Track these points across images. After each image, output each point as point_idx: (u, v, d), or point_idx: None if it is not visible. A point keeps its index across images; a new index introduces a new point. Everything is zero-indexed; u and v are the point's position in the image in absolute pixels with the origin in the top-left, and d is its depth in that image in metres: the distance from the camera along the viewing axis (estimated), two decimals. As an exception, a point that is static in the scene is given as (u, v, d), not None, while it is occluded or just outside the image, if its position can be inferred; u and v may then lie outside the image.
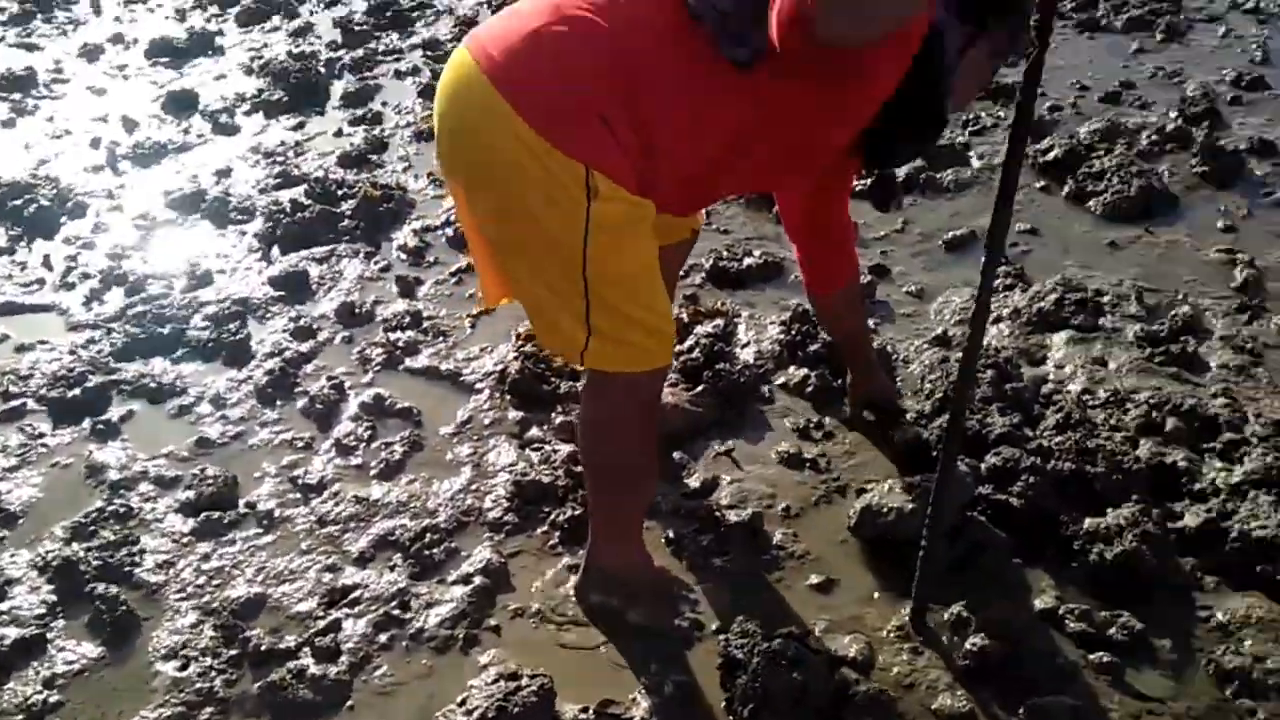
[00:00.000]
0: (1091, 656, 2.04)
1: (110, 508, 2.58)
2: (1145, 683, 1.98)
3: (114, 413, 2.96)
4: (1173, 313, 3.02)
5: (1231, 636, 2.04)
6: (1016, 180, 1.75)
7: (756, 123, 1.83)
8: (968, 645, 2.07)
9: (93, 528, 2.52)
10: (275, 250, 3.81)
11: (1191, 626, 2.08)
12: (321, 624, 2.25)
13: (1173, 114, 4.27)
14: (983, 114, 4.41)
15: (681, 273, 2.98)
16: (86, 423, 2.92)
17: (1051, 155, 3.97)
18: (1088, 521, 2.29)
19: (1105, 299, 3.13)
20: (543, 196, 1.75)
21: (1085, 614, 2.12)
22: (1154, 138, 4.08)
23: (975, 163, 4.07)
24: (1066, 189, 3.83)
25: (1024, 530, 2.34)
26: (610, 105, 1.73)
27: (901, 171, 3.92)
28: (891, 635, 2.16)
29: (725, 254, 3.50)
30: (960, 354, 2.82)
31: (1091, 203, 3.72)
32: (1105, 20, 5.33)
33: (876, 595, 2.27)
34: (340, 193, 4.15)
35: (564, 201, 1.74)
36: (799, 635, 2.07)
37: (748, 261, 3.48)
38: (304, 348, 3.24)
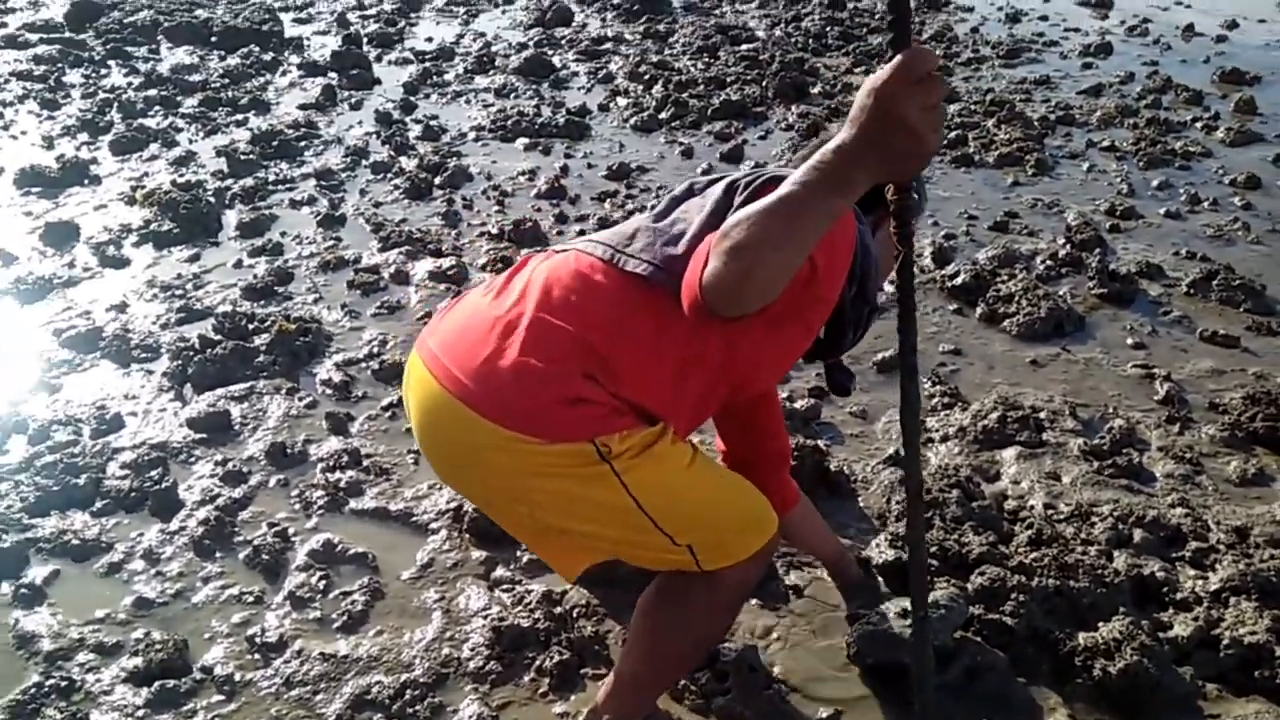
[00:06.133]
0: (1119, 773, 2.04)
1: (50, 682, 2.30)
2: (1178, 796, 2.00)
3: (35, 574, 2.68)
4: (1108, 426, 3.16)
5: (1247, 743, 2.09)
6: (917, 383, 1.78)
7: (729, 355, 1.93)
8: (995, 771, 2.05)
9: (34, 706, 2.24)
10: (188, 390, 3.59)
11: (1206, 736, 2.12)
12: (310, 798, 2.05)
13: (1061, 240, 4.57)
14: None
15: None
16: (6, 587, 2.62)
17: (959, 280, 4.17)
18: (1082, 637, 2.33)
19: (1042, 415, 3.26)
20: (571, 481, 1.79)
21: (1104, 730, 2.13)
22: (1049, 263, 4.36)
23: (888, 288, 4.23)
24: (979, 311, 4.02)
25: (1020, 648, 2.36)
26: (585, 386, 1.79)
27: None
28: (914, 765, 2.11)
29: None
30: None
31: (1006, 323, 3.90)
32: (977, 156, 5.72)
33: (890, 724, 2.22)
34: (251, 327, 3.97)
35: (591, 475, 1.79)
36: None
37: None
38: (237, 493, 3.03)
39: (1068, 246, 4.48)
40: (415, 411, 1.93)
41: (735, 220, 1.56)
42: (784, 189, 1.52)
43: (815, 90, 7.11)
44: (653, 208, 2.04)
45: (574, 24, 9.32)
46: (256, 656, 2.44)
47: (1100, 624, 2.36)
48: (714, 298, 1.60)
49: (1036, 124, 6.20)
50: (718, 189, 1.93)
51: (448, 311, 2.02)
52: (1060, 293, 4.08)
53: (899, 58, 1.42)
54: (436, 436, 1.90)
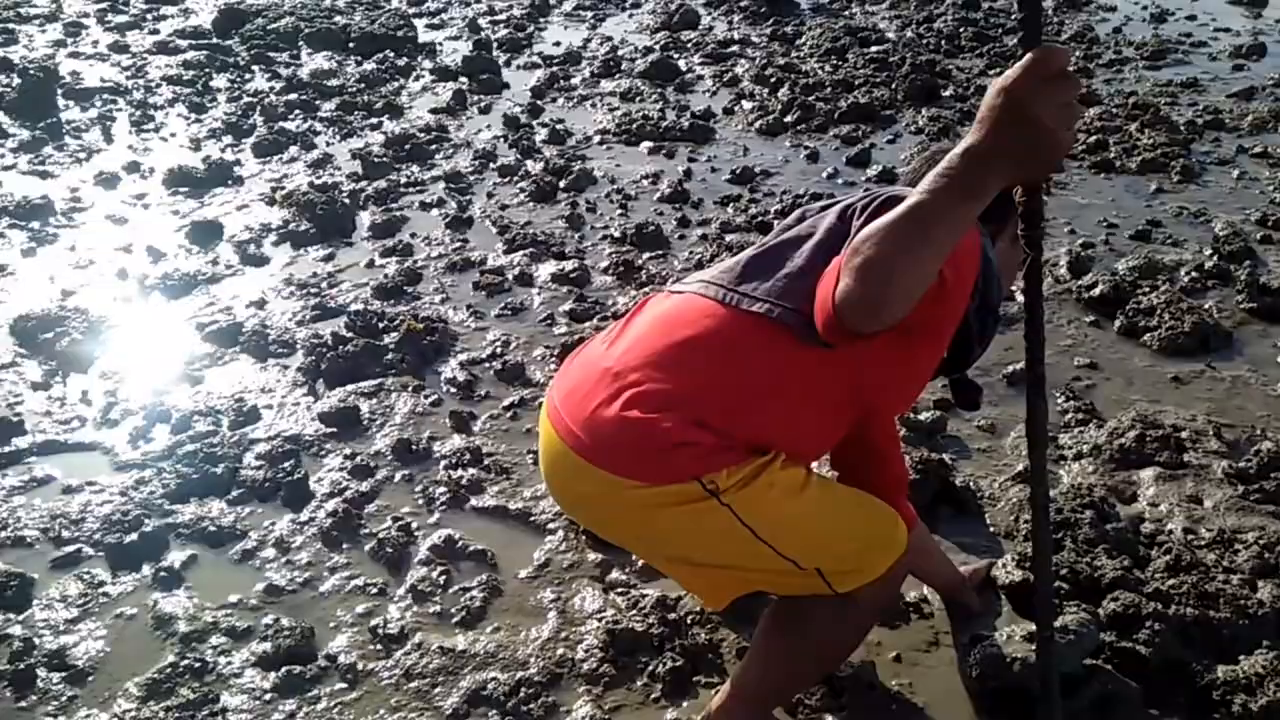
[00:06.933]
0: (1260, 818, 1.93)
1: (184, 662, 2.41)
2: None
3: (174, 558, 2.81)
4: (1256, 448, 3.00)
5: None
6: (1043, 384, 1.71)
7: (860, 379, 1.88)
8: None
9: (169, 685, 2.35)
10: (321, 385, 3.71)
11: (1359, 784, 1.99)
12: (426, 791, 2.09)
13: (1207, 251, 4.36)
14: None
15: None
16: (147, 569, 2.76)
17: (1097, 291, 4.01)
18: (1221, 670, 2.22)
19: (1184, 435, 3.11)
20: (684, 516, 1.79)
21: (1245, 771, 2.02)
22: (1194, 274, 4.16)
23: (1019, 298, 4.10)
24: (1118, 324, 3.86)
25: (1154, 679, 2.25)
26: (690, 431, 1.78)
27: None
28: (1036, 796, 2.03)
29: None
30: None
31: (1146, 338, 3.74)
32: (1119, 162, 5.50)
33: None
34: (381, 325, 4.08)
35: (703, 510, 1.78)
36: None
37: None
38: (364, 487, 3.12)
39: (1215, 258, 4.27)
40: (541, 458, 2.01)
41: (865, 235, 1.53)
42: (912, 199, 1.49)
43: (947, 93, 6.94)
44: (761, 240, 2.03)
45: (700, 27, 9.31)
46: (378, 647, 2.50)
47: (1241, 657, 2.24)
48: (849, 314, 1.57)
49: (1183, 128, 5.92)
50: (831, 214, 1.92)
51: (574, 358, 2.05)
52: (1206, 306, 3.89)
53: (1029, 55, 1.40)
54: (556, 483, 1.97)
